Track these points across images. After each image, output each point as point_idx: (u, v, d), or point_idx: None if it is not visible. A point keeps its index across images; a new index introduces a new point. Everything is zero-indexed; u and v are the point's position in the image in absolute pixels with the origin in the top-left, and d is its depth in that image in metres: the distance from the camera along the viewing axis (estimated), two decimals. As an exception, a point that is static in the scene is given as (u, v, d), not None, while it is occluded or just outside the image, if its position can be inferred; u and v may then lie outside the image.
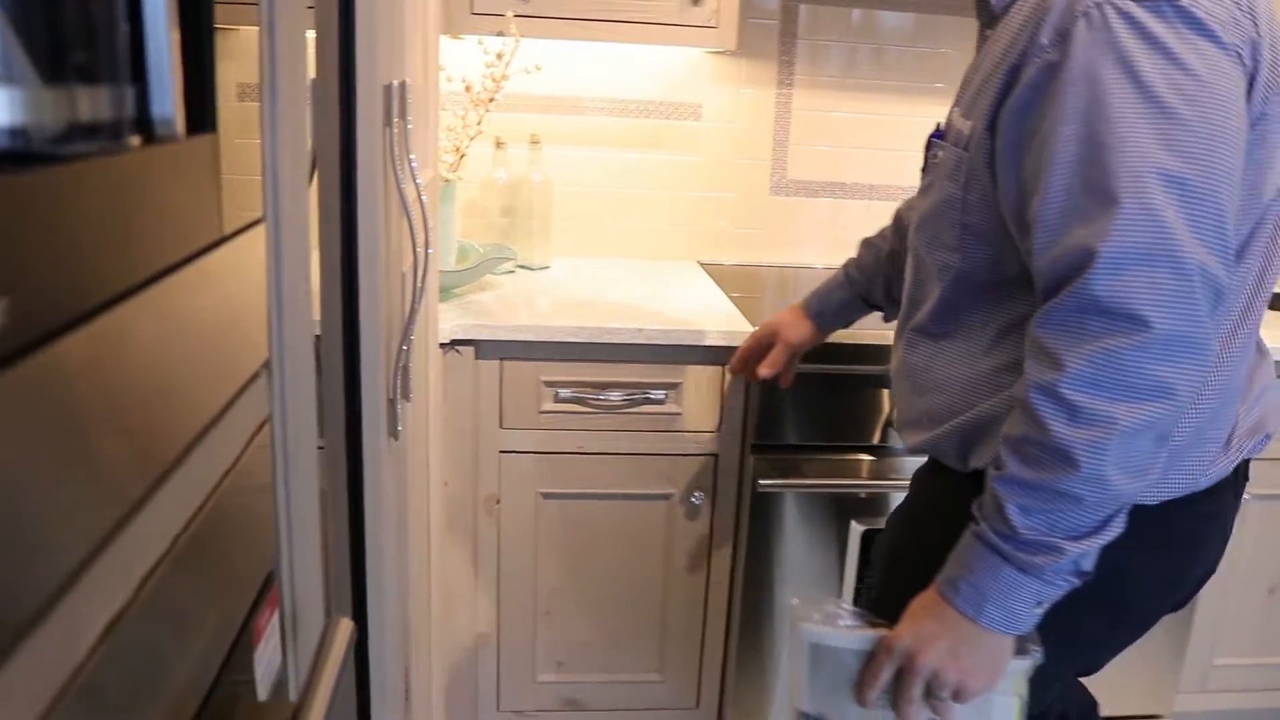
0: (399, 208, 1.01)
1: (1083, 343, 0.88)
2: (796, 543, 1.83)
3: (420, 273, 1.09)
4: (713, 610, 1.92)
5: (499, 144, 2.06)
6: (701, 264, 2.28)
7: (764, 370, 1.57)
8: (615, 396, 1.77)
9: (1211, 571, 1.17)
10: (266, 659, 0.57)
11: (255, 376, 0.55)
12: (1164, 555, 1.09)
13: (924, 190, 1.16)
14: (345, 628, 0.70)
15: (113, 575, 0.39)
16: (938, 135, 1.13)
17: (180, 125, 0.45)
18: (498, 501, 1.82)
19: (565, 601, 1.89)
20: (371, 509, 1.00)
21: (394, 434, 1.03)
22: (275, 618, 0.59)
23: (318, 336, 0.98)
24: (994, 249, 1.05)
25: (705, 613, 1.93)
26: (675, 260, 2.30)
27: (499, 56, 1.86)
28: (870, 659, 1.01)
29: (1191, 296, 0.86)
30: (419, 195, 1.08)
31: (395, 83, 0.95)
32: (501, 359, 1.75)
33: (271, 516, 0.59)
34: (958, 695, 0.98)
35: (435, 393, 1.66)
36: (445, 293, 1.87)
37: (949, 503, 1.08)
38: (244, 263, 0.54)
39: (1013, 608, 0.94)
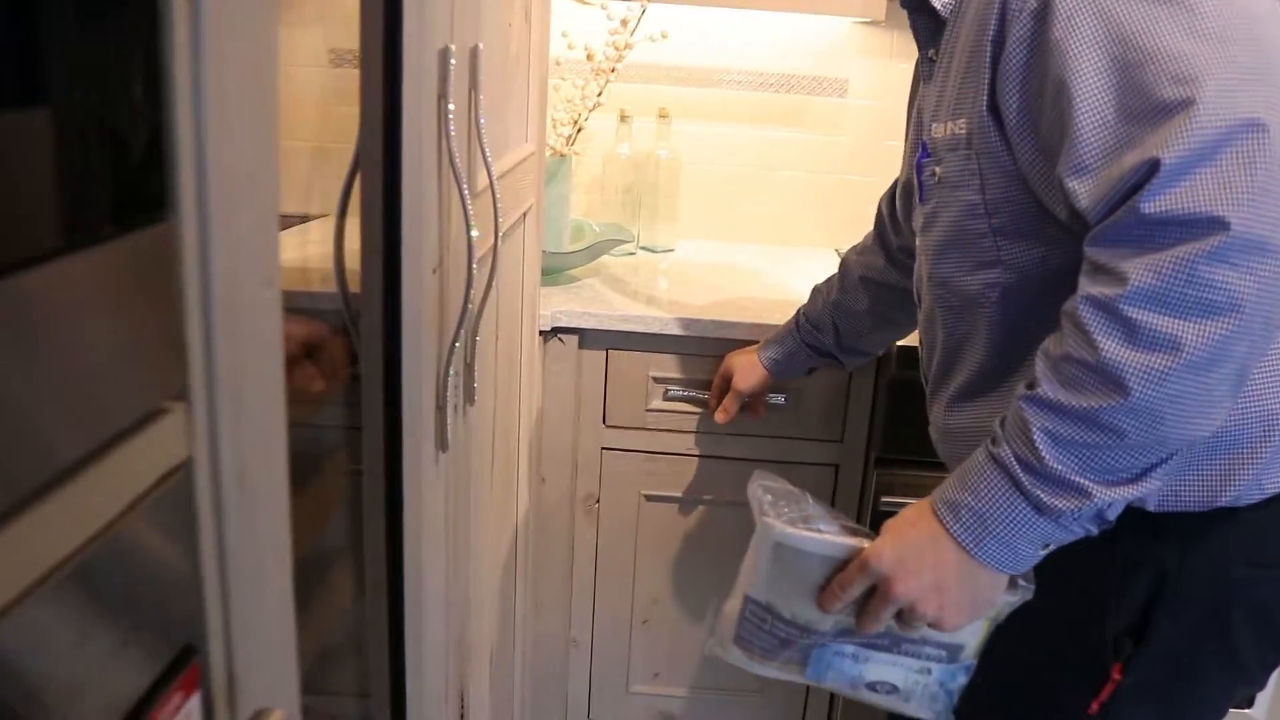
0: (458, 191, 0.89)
1: (1147, 253, 0.76)
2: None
3: (488, 264, 0.97)
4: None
5: (624, 117, 1.93)
6: (840, 253, 2.10)
7: (719, 417, 1.54)
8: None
9: None
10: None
11: (160, 412, 0.44)
12: None
13: (930, 220, 1.01)
14: None
15: None
16: (925, 156, 1.00)
17: None
18: (597, 501, 1.70)
19: (664, 610, 1.76)
20: (412, 530, 0.89)
21: (443, 445, 0.92)
22: (192, 702, 0.48)
23: (349, 337, 0.87)
24: (1038, 242, 0.92)
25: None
26: (811, 247, 2.13)
27: (624, 23, 1.73)
28: (842, 570, 0.90)
29: (1268, 193, 0.73)
30: (491, 180, 0.96)
31: (453, 47, 0.83)
32: (608, 349, 1.63)
33: (194, 575, 0.48)
34: (934, 627, 0.89)
35: (533, 383, 1.55)
36: (555, 275, 1.76)
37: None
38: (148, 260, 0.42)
39: (1017, 546, 0.84)
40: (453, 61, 0.82)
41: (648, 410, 1.62)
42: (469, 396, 1.02)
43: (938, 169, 0.97)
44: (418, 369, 0.86)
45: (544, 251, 1.63)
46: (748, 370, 1.50)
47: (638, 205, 1.99)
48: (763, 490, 0.97)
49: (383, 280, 0.84)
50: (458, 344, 0.89)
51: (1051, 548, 0.85)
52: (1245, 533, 0.92)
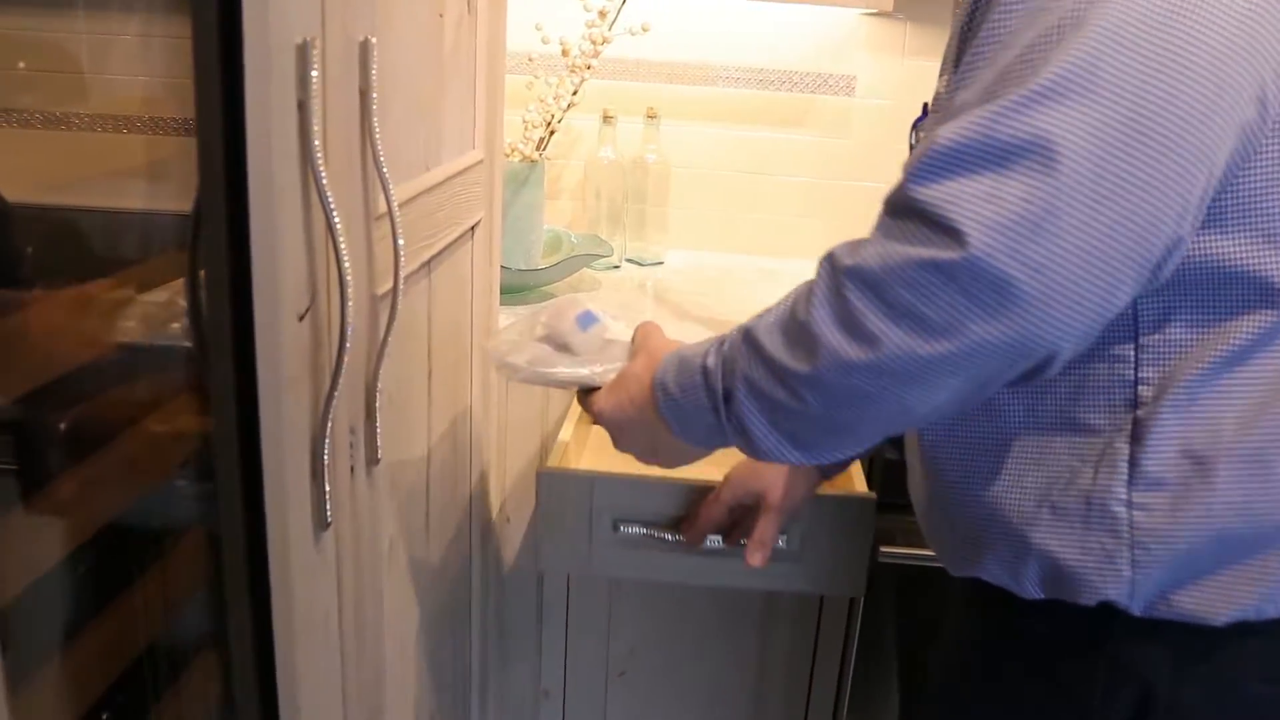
0: (357, 222, 0.74)
1: (890, 237, 0.67)
2: (924, 616, 1.48)
3: (387, 303, 0.81)
4: (820, 677, 1.59)
5: (607, 118, 1.76)
6: (846, 266, 1.93)
7: (755, 559, 1.07)
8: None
9: None
10: None
11: None
12: None
13: None
14: None
15: None
16: (924, 117, 0.89)
17: None
18: (567, 543, 1.54)
19: (643, 661, 1.60)
20: (283, 626, 0.74)
21: (323, 521, 0.76)
22: None
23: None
24: None
25: (810, 681, 1.61)
26: (815, 260, 1.95)
27: (601, 15, 1.57)
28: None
29: (1038, 231, 0.62)
30: (390, 205, 0.80)
31: (315, 40, 0.67)
32: (578, 377, 1.47)
33: None
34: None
35: (489, 417, 1.39)
36: (525, 292, 1.60)
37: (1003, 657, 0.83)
38: None
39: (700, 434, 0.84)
40: (315, 59, 0.66)
41: (593, 553, 1.46)
42: (371, 457, 0.87)
43: (926, 133, 0.81)
44: (279, 434, 0.70)
45: (506, 269, 1.47)
46: (793, 476, 1.07)
47: (623, 214, 1.83)
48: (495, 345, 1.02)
49: (232, 327, 0.68)
50: (338, 398, 0.73)
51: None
52: (1264, 644, 0.75)
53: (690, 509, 1.15)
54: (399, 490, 1.00)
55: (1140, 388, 0.73)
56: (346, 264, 0.70)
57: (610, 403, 0.93)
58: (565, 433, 1.31)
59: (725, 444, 0.83)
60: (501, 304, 1.53)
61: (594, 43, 1.56)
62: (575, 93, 1.59)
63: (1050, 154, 0.61)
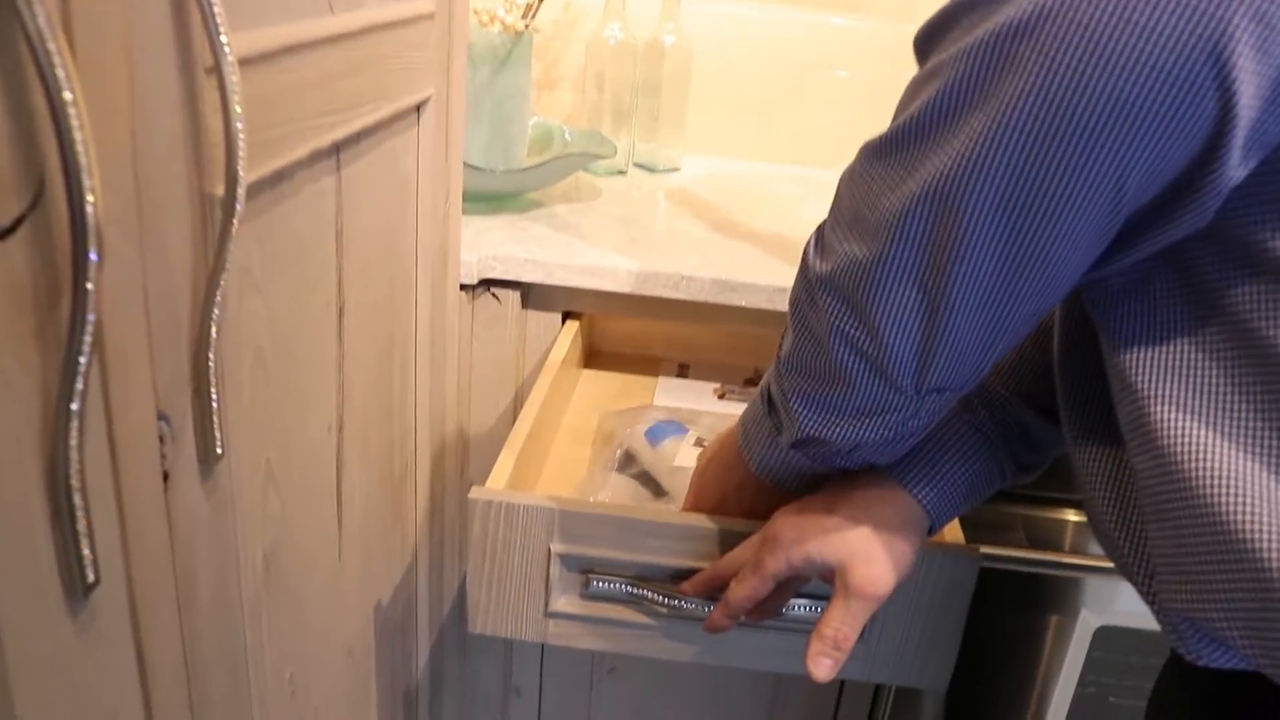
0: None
1: None
2: (989, 629, 1.18)
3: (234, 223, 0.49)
4: (850, 685, 1.30)
5: (615, -14, 1.42)
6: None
7: (821, 669, 0.67)
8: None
9: None
10: None
11: None
12: None
13: None
14: None
15: None
16: None
17: None
18: (547, 517, 1.24)
19: (635, 657, 1.31)
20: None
21: (85, 576, 0.45)
22: None
23: None
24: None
25: (839, 692, 1.32)
26: (863, 173, 1.61)
27: None
28: None
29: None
30: (218, 50, 0.47)
31: None
32: (565, 312, 1.15)
33: None
34: None
35: (449, 359, 1.08)
36: (502, 201, 1.27)
37: None
38: None
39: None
40: None
41: (549, 615, 1.14)
42: (205, 453, 0.56)
43: None
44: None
45: (472, 167, 1.14)
46: (884, 538, 0.67)
47: (632, 109, 1.49)
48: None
49: None
50: (81, 370, 0.41)
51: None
52: None
53: (714, 553, 0.78)
54: (280, 483, 0.70)
55: None
56: (75, 132, 0.37)
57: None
58: (517, 437, 0.91)
59: (781, 458, 0.69)
60: (475, 214, 1.20)
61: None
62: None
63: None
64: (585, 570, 0.80)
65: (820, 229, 0.63)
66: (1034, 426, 0.74)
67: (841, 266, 0.58)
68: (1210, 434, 0.51)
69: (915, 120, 0.53)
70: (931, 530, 0.71)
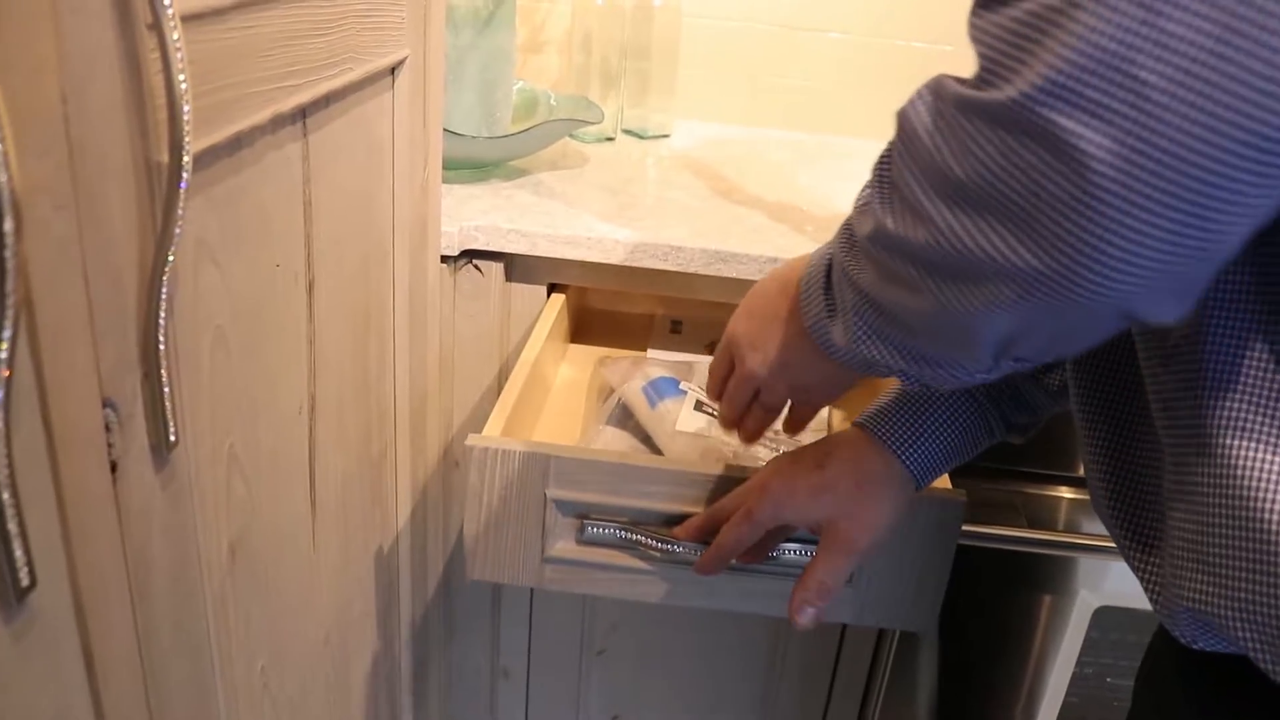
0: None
1: None
2: (986, 608, 1.15)
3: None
4: (847, 660, 1.28)
5: (603, -56, 1.36)
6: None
7: (804, 617, 0.71)
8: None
9: None
10: None
11: None
12: None
13: None
14: None
15: None
16: None
17: None
18: (533, 494, 1.21)
19: (627, 637, 1.28)
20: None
21: (17, 589, 0.42)
22: None
23: None
24: None
25: (836, 662, 1.29)
26: (861, 139, 1.57)
27: None
28: None
29: None
30: (158, 6, 0.43)
31: None
32: (550, 285, 1.11)
33: None
34: None
35: (430, 333, 1.04)
36: (486, 169, 1.23)
37: None
38: None
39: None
40: None
41: (546, 560, 1.11)
42: (159, 440, 0.52)
43: None
44: None
45: (453, 133, 1.10)
46: (871, 496, 0.71)
47: (621, 73, 1.44)
48: None
49: None
50: (4, 370, 0.38)
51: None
52: None
53: (706, 499, 0.79)
54: (246, 468, 0.66)
55: None
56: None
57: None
58: (509, 394, 0.91)
59: (834, 335, 0.60)
60: (456, 183, 1.16)
61: None
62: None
63: None
64: (581, 516, 0.81)
65: (886, 166, 0.52)
66: (1025, 389, 0.73)
67: (938, 239, 0.46)
68: (1261, 419, 0.47)
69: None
70: (919, 487, 0.72)
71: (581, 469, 0.79)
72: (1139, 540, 0.57)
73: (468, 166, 1.20)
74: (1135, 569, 0.58)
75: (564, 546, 0.82)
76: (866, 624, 0.84)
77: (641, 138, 1.48)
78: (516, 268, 1.10)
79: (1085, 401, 0.61)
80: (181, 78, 0.44)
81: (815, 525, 0.71)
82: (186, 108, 0.45)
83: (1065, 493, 1.07)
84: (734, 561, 0.75)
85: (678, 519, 0.80)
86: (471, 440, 0.79)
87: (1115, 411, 0.59)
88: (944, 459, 0.72)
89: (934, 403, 0.72)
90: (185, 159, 0.46)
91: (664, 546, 0.79)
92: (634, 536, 0.80)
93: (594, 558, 0.82)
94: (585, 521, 0.81)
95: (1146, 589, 0.57)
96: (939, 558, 0.79)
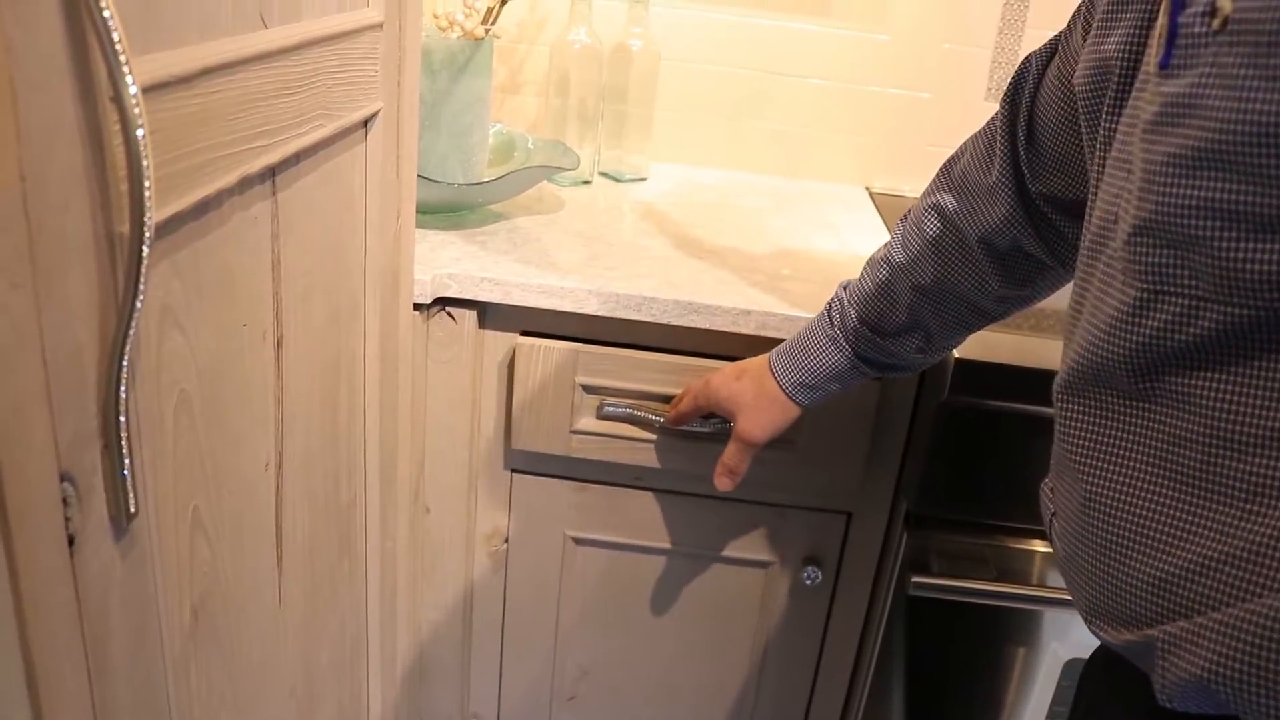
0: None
1: None
2: (956, 660, 1.15)
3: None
4: (817, 712, 1.27)
5: (581, -10, 1.37)
6: (873, 193, 1.56)
7: (723, 483, 1.02)
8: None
9: None
10: None
11: None
12: None
13: (1177, 111, 0.49)
14: None
15: None
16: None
17: None
18: (505, 541, 1.20)
19: (599, 686, 1.28)
20: None
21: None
22: None
23: None
24: None
25: (807, 713, 1.29)
26: (836, 184, 1.58)
27: None
28: None
29: None
30: (116, 72, 0.43)
31: None
32: (521, 332, 1.11)
33: None
34: None
35: (400, 381, 1.03)
36: (462, 214, 1.23)
37: None
38: None
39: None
40: None
41: (573, 431, 1.11)
42: (119, 510, 0.51)
43: (1228, 4, 0.46)
44: None
45: (428, 180, 1.10)
46: (765, 411, 0.97)
47: (598, 116, 1.45)
48: None
49: None
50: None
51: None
52: None
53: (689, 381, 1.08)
54: (209, 530, 0.65)
55: None
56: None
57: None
58: None
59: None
60: (431, 228, 1.16)
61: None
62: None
63: None
64: (600, 396, 1.09)
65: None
66: (880, 343, 0.92)
67: None
68: None
69: None
70: (803, 407, 0.96)
71: (603, 359, 1.07)
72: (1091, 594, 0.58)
73: (443, 211, 1.20)
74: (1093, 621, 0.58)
75: (587, 421, 1.10)
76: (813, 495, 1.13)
77: (618, 180, 1.49)
78: (490, 315, 1.10)
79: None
80: (142, 148, 0.44)
81: (730, 416, 0.99)
82: (147, 182, 0.45)
83: (1037, 546, 1.07)
84: (695, 425, 1.07)
85: (671, 397, 1.09)
86: (519, 341, 1.07)
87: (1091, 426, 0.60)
88: (821, 393, 0.95)
89: (811, 346, 0.94)
90: (147, 232, 0.45)
91: (660, 421, 1.08)
92: (640, 414, 1.08)
93: (609, 430, 1.10)
94: (604, 401, 1.08)
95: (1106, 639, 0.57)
96: (857, 436, 1.09)
